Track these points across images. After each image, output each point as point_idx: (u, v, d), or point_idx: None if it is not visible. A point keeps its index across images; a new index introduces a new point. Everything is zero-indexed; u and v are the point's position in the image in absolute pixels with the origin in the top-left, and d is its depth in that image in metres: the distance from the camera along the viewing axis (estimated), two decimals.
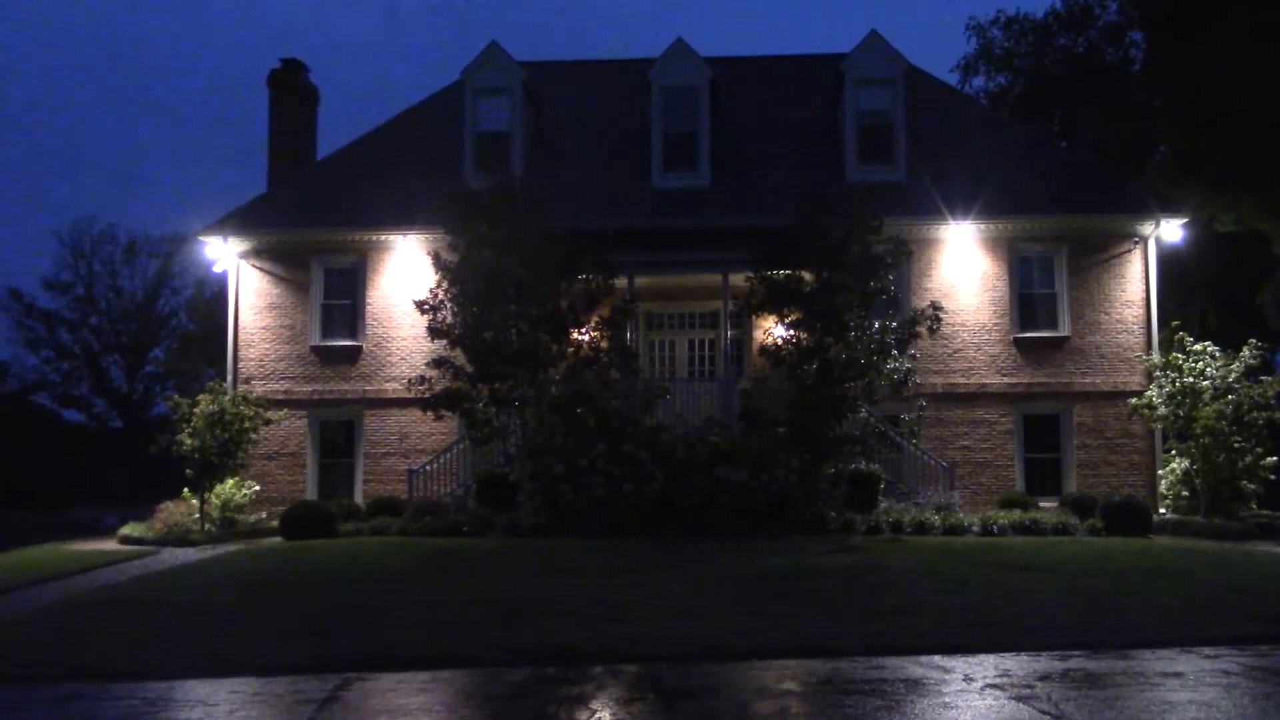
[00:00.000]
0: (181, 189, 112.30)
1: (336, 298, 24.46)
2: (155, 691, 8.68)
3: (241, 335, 24.33)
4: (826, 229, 19.72)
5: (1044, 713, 7.28)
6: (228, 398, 22.07)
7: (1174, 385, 21.52)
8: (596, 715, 7.67)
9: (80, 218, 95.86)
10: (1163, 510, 21.87)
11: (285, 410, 23.26)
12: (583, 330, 20.27)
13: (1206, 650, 9.68)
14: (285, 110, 26.85)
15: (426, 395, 20.02)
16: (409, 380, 21.11)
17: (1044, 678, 8.47)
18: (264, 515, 22.21)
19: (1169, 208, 23.74)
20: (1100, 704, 7.77)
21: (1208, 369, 21.44)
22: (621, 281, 21.41)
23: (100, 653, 10.02)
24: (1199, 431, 20.85)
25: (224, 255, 24.57)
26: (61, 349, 58.54)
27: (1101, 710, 7.57)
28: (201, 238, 25.13)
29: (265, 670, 9.24)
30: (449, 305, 20.35)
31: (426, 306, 20.42)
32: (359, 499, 23.01)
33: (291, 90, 26.83)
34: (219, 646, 10.23)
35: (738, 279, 21.44)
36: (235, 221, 24.64)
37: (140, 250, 59.97)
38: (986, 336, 23.47)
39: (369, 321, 24.11)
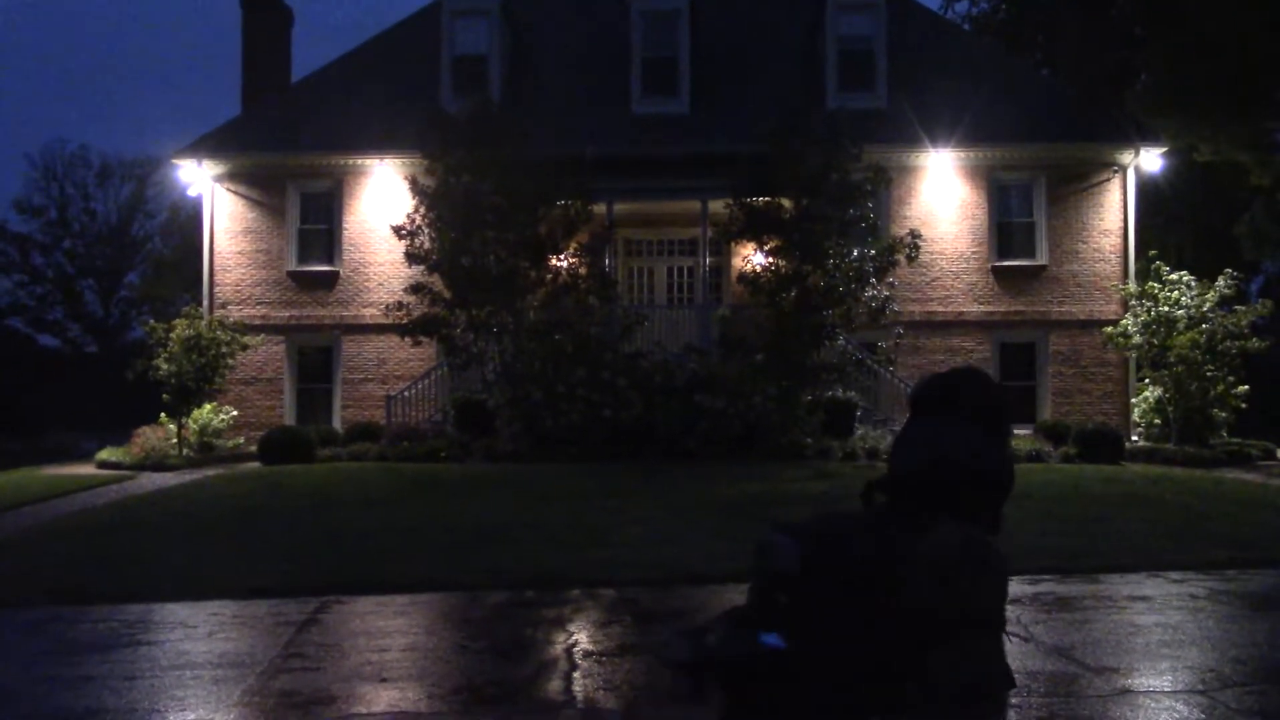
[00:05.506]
0: (154, 111, 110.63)
1: (313, 222, 24.22)
2: (135, 614, 8.73)
3: (217, 260, 24.12)
4: (805, 156, 19.62)
5: (1014, 635, 7.41)
6: (204, 323, 21.94)
7: (1149, 314, 21.63)
8: (574, 637, 7.77)
9: (51, 139, 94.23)
10: (1135, 438, 22.11)
11: (262, 335, 23.14)
12: (561, 257, 20.20)
13: (1174, 574, 9.86)
14: (258, 30, 26.35)
15: (404, 321, 19.95)
16: (387, 306, 21.02)
17: (1014, 601, 8.60)
18: (242, 440, 22.21)
19: (1148, 137, 23.68)
20: (1069, 626, 7.93)
21: (1183, 298, 21.54)
22: (600, 208, 21.27)
23: (79, 576, 10.07)
24: (1173, 360, 21.02)
25: (198, 179, 24.27)
26: (35, 273, 57.81)
27: (1070, 633, 7.72)
28: (175, 161, 24.77)
29: (245, 593, 9.31)
30: (427, 231, 20.20)
31: (404, 232, 20.26)
32: (337, 424, 23.01)
33: (264, 9, 26.32)
34: (198, 569, 10.29)
35: (717, 206, 21.32)
36: (209, 144, 24.30)
37: (113, 173, 59.01)
38: (964, 265, 23.49)
39: (346, 247, 23.93)
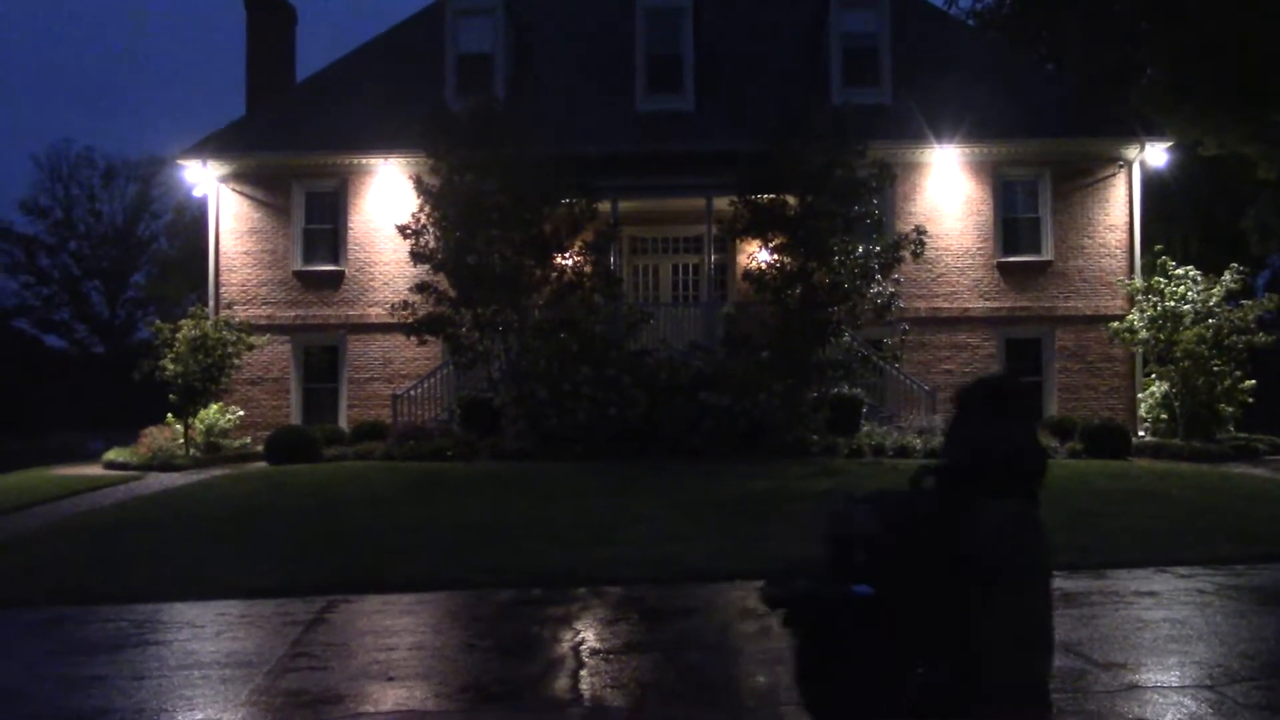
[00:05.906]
0: (159, 112, 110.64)
1: (318, 222, 24.25)
2: (142, 614, 8.75)
3: (223, 260, 24.15)
4: (809, 152, 19.59)
5: None
6: (210, 323, 22.00)
7: (1155, 309, 21.58)
8: (580, 635, 7.77)
9: (57, 141, 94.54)
10: (1142, 433, 22.06)
11: (268, 335, 23.18)
12: (566, 255, 20.19)
13: (1182, 570, 9.83)
14: (262, 30, 26.37)
15: (410, 320, 19.96)
16: (392, 305, 21.02)
17: None
18: (248, 440, 22.22)
19: (1153, 131, 23.63)
20: (1076, 622, 7.91)
21: (1189, 293, 21.49)
22: (605, 206, 21.27)
23: (86, 576, 10.08)
24: (1179, 355, 20.96)
25: (203, 179, 24.30)
26: (41, 274, 57.92)
27: (1077, 628, 7.71)
28: (180, 161, 24.83)
29: (252, 592, 9.32)
30: (431, 230, 20.21)
31: (409, 231, 20.27)
32: (343, 424, 23.03)
33: (268, 8, 26.34)
34: (205, 569, 10.30)
35: (721, 203, 21.34)
36: (214, 145, 24.34)
37: (119, 174, 59.18)
38: (970, 261, 23.46)
39: (351, 246, 23.95)
